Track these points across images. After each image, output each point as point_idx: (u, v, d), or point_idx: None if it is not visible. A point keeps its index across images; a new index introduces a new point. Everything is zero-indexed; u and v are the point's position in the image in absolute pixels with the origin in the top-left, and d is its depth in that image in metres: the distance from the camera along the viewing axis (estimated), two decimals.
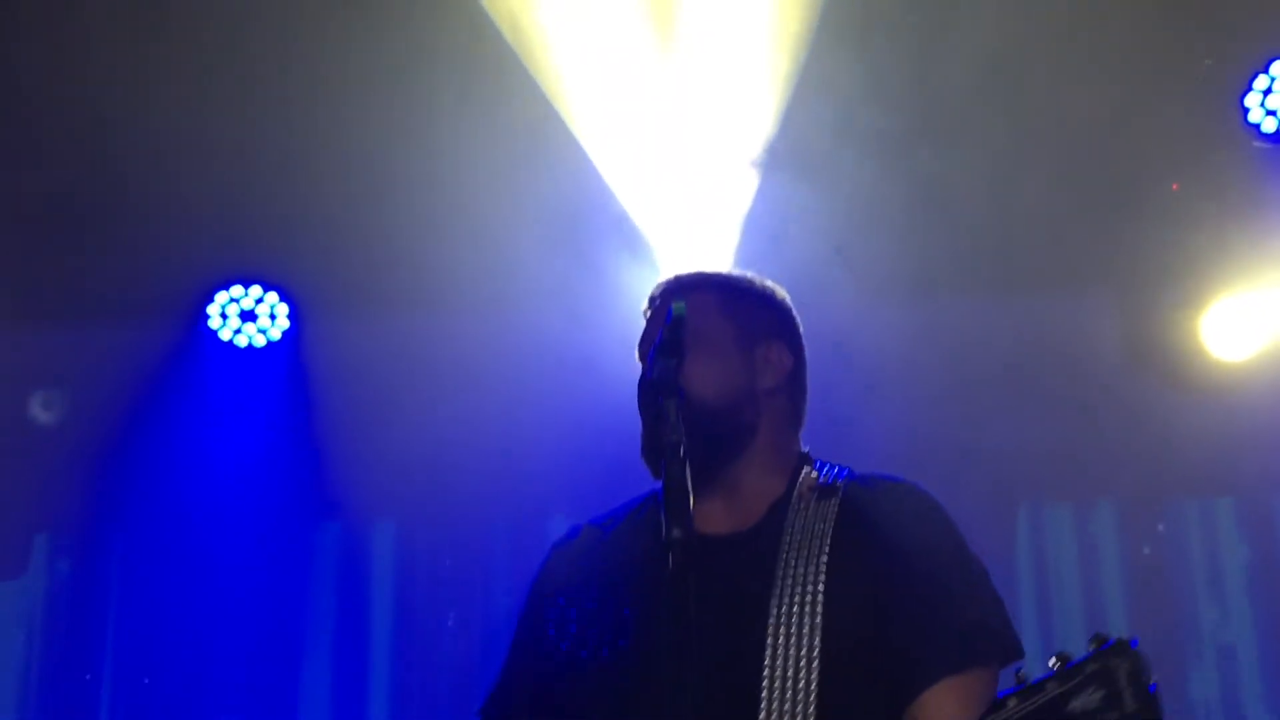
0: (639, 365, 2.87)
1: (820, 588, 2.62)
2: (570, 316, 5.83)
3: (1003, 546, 6.13)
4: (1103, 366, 6.03)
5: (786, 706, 2.56)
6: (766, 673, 2.58)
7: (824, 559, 2.64)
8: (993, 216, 5.83)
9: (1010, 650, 2.65)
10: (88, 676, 6.06)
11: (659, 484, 2.61)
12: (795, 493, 2.75)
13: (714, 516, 2.72)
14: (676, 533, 2.29)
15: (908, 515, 2.72)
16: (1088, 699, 2.28)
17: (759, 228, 5.74)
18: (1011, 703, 2.31)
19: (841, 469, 2.82)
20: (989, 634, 2.65)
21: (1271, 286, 5.71)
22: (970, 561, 2.72)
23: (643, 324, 2.93)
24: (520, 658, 2.87)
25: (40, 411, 6.04)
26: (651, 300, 2.92)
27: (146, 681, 6.03)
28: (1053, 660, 2.33)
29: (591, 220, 5.65)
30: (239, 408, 6.11)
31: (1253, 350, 5.83)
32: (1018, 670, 2.35)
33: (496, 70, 5.35)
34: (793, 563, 2.66)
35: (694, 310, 2.70)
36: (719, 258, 5.74)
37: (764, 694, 2.57)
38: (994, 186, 5.66)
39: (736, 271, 2.99)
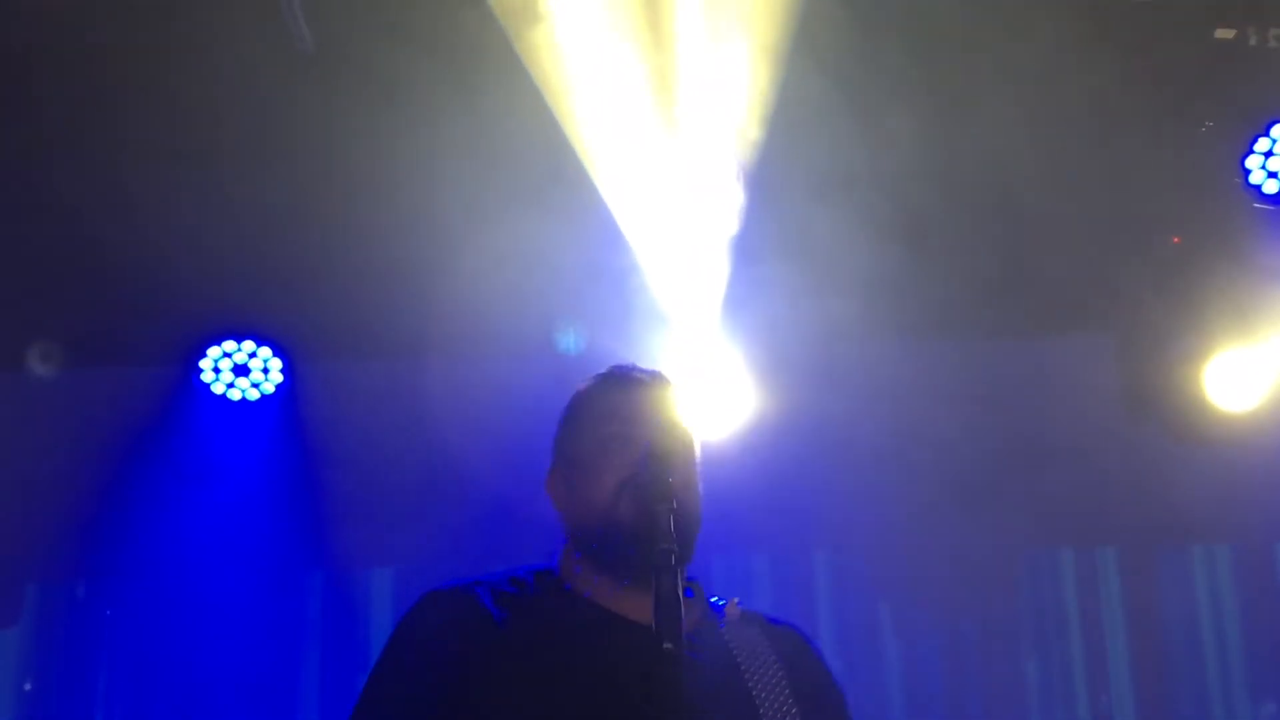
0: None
1: (792, 702, 2.72)
2: (568, 363, 5.81)
3: (1004, 591, 6.11)
4: (1104, 412, 6.04)
5: None
6: None
7: (784, 681, 2.74)
8: (995, 260, 5.82)
9: None
10: None
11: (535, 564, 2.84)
12: (719, 613, 2.84)
13: (635, 608, 2.69)
14: (669, 645, 2.29)
15: (812, 659, 2.90)
16: None
17: (747, 290, 5.71)
18: None
19: (731, 599, 2.92)
20: None
21: (1272, 339, 5.71)
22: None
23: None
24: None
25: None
26: (613, 379, 2.93)
27: None
28: None
29: (593, 266, 5.61)
30: (233, 459, 6.08)
31: (1254, 401, 5.81)
32: None
33: (491, 111, 5.31)
34: (757, 678, 2.73)
35: (675, 425, 2.76)
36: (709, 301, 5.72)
37: None
38: (996, 229, 5.65)
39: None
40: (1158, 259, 5.69)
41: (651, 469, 2.52)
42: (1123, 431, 5.98)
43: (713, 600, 2.87)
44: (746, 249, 5.65)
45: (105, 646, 6.14)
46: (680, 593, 2.34)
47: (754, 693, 2.68)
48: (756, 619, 2.86)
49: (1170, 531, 6.11)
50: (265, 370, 6.06)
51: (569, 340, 5.64)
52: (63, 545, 6.13)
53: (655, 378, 2.93)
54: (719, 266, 5.63)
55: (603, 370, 2.97)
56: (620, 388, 2.90)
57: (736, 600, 2.87)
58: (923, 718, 6.04)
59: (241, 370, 6.06)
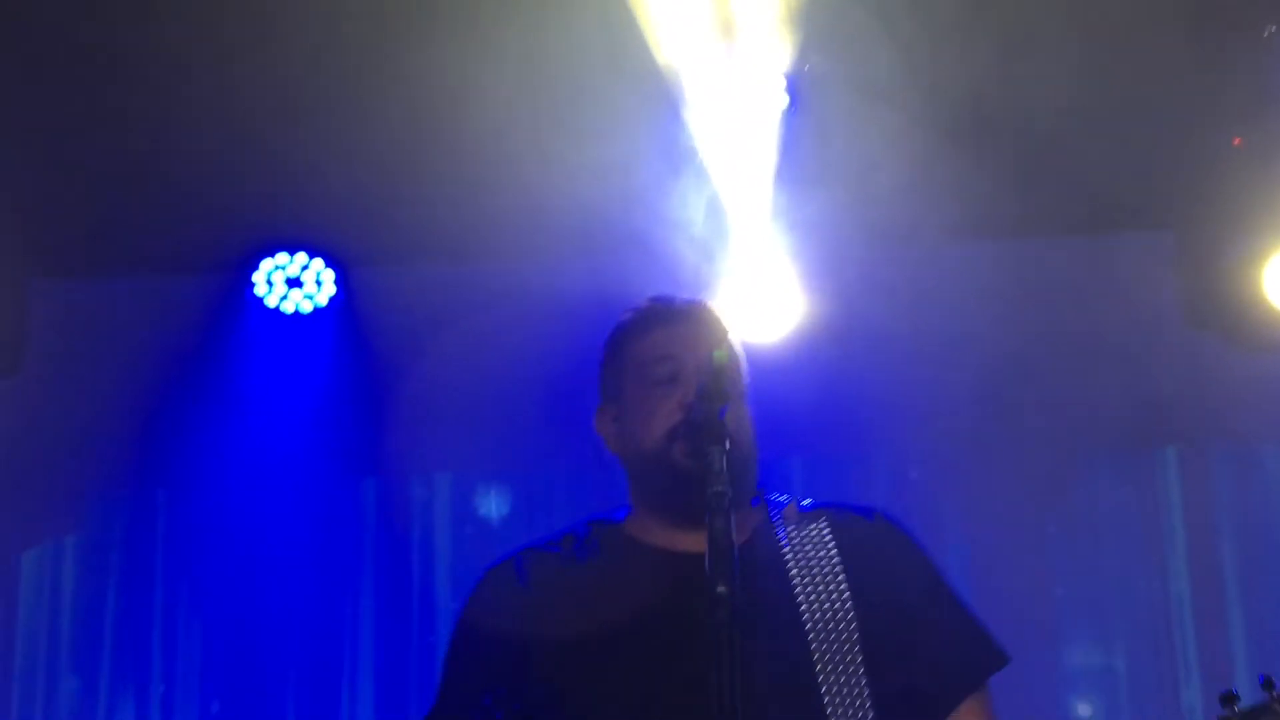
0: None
1: (846, 597, 2.67)
2: (626, 268, 5.80)
3: (1059, 494, 6.10)
4: (1160, 313, 5.99)
5: (845, 698, 2.60)
6: (821, 677, 2.60)
7: (840, 572, 2.70)
8: (1046, 158, 5.75)
9: (1003, 659, 2.82)
10: None
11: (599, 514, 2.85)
12: (777, 517, 2.80)
13: (699, 541, 2.64)
14: (722, 589, 2.27)
15: (898, 543, 2.83)
16: None
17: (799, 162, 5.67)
18: None
19: (805, 498, 2.88)
20: (992, 650, 2.80)
21: None
22: (951, 586, 2.86)
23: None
24: (470, 695, 2.76)
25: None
26: (654, 314, 2.89)
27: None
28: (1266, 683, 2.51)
29: (647, 172, 5.58)
30: (287, 371, 6.12)
31: None
32: (1228, 692, 2.54)
33: (549, 17, 5.27)
34: (805, 574, 2.70)
35: (723, 358, 2.67)
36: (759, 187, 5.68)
37: (824, 692, 2.60)
38: (1052, 125, 5.58)
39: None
40: (1217, 160, 5.61)
41: (703, 410, 2.48)
42: (1180, 334, 5.92)
43: (774, 500, 2.85)
44: (796, 152, 5.62)
45: (161, 553, 6.18)
46: (733, 535, 2.32)
47: (799, 595, 2.67)
48: (823, 514, 2.81)
49: (1229, 435, 6.06)
50: (318, 283, 6.07)
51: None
52: (121, 454, 6.18)
53: (698, 308, 2.89)
54: (769, 172, 5.60)
55: (641, 303, 2.92)
56: (663, 323, 2.85)
57: (798, 500, 2.84)
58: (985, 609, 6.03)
59: (294, 283, 6.07)
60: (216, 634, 6.12)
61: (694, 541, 2.55)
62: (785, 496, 2.86)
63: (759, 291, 5.75)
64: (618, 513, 2.88)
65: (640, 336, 2.85)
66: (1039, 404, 6.06)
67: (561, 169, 5.44)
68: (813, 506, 2.83)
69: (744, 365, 2.90)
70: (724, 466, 2.41)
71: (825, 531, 2.76)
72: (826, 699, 2.58)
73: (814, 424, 5.99)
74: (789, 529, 2.77)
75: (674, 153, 5.62)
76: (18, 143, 5.56)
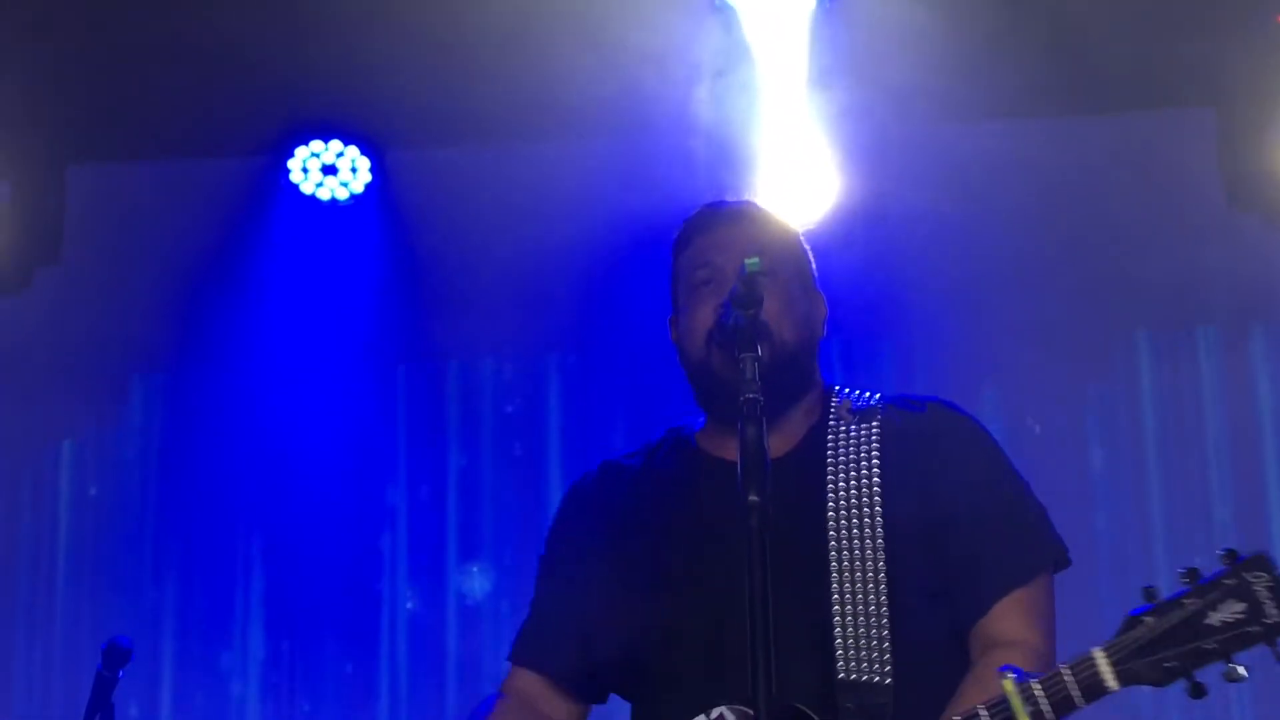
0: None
1: (877, 506, 2.65)
2: (661, 149, 5.78)
3: (1100, 372, 6.09)
4: (1201, 191, 5.94)
5: (860, 621, 2.59)
6: (835, 591, 2.61)
7: (875, 478, 2.67)
8: (1091, 32, 5.68)
9: (1063, 556, 2.75)
10: None
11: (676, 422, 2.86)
12: (832, 417, 2.77)
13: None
14: (754, 497, 2.28)
15: (950, 433, 2.77)
16: (1227, 613, 2.31)
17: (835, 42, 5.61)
18: (1149, 620, 2.36)
19: (872, 393, 2.84)
20: (1045, 544, 2.73)
21: None
22: (1015, 474, 2.79)
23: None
24: (554, 602, 2.87)
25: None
26: (699, 220, 2.89)
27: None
28: (1183, 575, 2.36)
29: (685, 50, 5.52)
30: (325, 257, 6.16)
31: None
32: (1147, 587, 2.39)
33: None
34: (842, 482, 2.68)
35: (772, 253, 2.71)
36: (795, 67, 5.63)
37: (835, 612, 2.60)
38: (1091, 1, 5.51)
39: (779, 214, 2.95)
40: (1260, 37, 5.53)
41: (733, 316, 2.48)
42: (1221, 214, 5.87)
43: (839, 393, 2.82)
44: (832, 32, 5.56)
45: (201, 437, 6.25)
46: (765, 442, 2.33)
47: (829, 498, 2.67)
48: (878, 410, 2.77)
49: (1267, 317, 6.04)
50: (353, 170, 6.07)
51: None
52: (163, 338, 6.23)
53: (741, 210, 2.89)
54: (805, 52, 5.55)
55: (698, 207, 2.92)
56: (704, 229, 2.85)
57: (858, 395, 2.81)
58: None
59: (330, 170, 6.08)
60: (256, 518, 6.18)
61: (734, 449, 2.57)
62: (850, 390, 2.83)
63: (795, 174, 5.72)
64: (698, 419, 2.90)
65: (686, 245, 2.87)
66: (1078, 283, 6.04)
67: (597, 49, 5.41)
68: (868, 404, 2.79)
69: (800, 256, 2.88)
70: (755, 374, 2.42)
71: (874, 428, 2.73)
72: (837, 610, 2.59)
73: (851, 305, 5.98)
74: (840, 428, 2.75)
75: (711, 34, 5.57)
76: (51, 27, 5.56)
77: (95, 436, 6.27)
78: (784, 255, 2.81)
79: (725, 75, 5.61)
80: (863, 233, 5.85)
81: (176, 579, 6.19)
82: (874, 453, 2.69)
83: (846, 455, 2.71)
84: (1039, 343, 6.04)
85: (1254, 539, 5.88)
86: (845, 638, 2.57)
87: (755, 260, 2.49)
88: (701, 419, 2.89)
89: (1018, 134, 6.07)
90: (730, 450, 2.61)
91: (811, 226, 5.71)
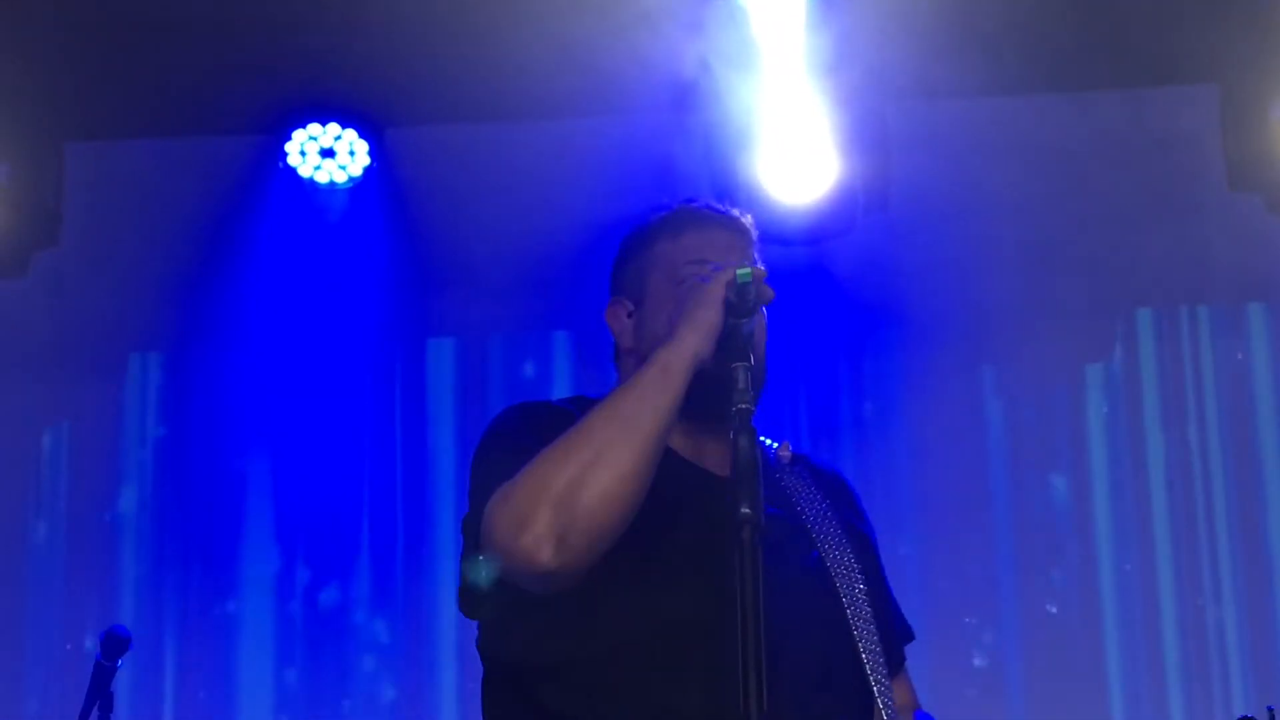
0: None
1: (847, 546, 2.69)
2: (657, 122, 5.76)
3: (1095, 355, 6.09)
4: (1203, 170, 5.92)
5: (875, 658, 2.62)
6: (854, 629, 2.62)
7: (834, 521, 2.71)
8: (1093, 6, 5.66)
9: (910, 636, 2.89)
10: None
11: None
12: (775, 456, 2.78)
13: (712, 458, 2.65)
14: (746, 510, 2.25)
15: (857, 501, 2.87)
16: None
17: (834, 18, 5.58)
18: None
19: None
20: (907, 624, 2.90)
21: None
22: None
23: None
24: None
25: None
26: (688, 215, 2.83)
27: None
28: None
29: (689, 23, 5.48)
30: (324, 239, 6.15)
31: None
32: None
33: None
34: (814, 519, 2.69)
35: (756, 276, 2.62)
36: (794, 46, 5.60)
37: (862, 648, 2.60)
38: None
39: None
40: (1264, 12, 5.50)
41: (729, 325, 2.48)
42: (1223, 194, 5.86)
43: (765, 443, 2.79)
44: (831, 7, 5.53)
45: (199, 415, 6.26)
46: (757, 455, 2.30)
47: (816, 539, 2.68)
48: (804, 460, 2.83)
49: (1266, 298, 6.03)
50: (351, 153, 6.07)
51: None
52: (161, 316, 6.24)
53: (733, 218, 2.83)
54: (803, 30, 5.52)
55: (674, 205, 2.85)
56: (697, 226, 2.80)
57: (788, 444, 2.82)
58: (1022, 471, 6.07)
59: (328, 153, 6.07)
60: (255, 493, 6.20)
61: (715, 452, 2.59)
62: (772, 441, 2.82)
63: (796, 151, 5.70)
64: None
65: (672, 237, 2.80)
66: (1079, 261, 6.03)
67: (596, 25, 5.38)
68: (795, 452, 2.83)
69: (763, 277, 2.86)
70: (748, 383, 2.40)
71: (809, 478, 2.78)
72: (858, 638, 2.61)
73: (851, 286, 6.00)
74: (784, 473, 2.76)
75: (712, 11, 5.54)
76: (49, 2, 5.55)
77: (93, 417, 6.26)
78: (761, 273, 2.74)
79: (726, 52, 5.57)
80: (862, 213, 5.84)
81: (173, 562, 6.20)
82: (825, 503, 2.74)
83: (797, 493, 2.74)
84: (1038, 322, 6.04)
85: (1250, 518, 5.94)
86: (875, 675, 2.60)
87: (748, 271, 2.48)
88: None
89: (1018, 112, 6.06)
90: (708, 459, 2.63)
91: (811, 203, 5.72)
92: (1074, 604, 5.92)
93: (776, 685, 2.21)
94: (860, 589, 2.65)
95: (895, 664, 2.76)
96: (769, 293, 2.55)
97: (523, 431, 2.60)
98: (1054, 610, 5.92)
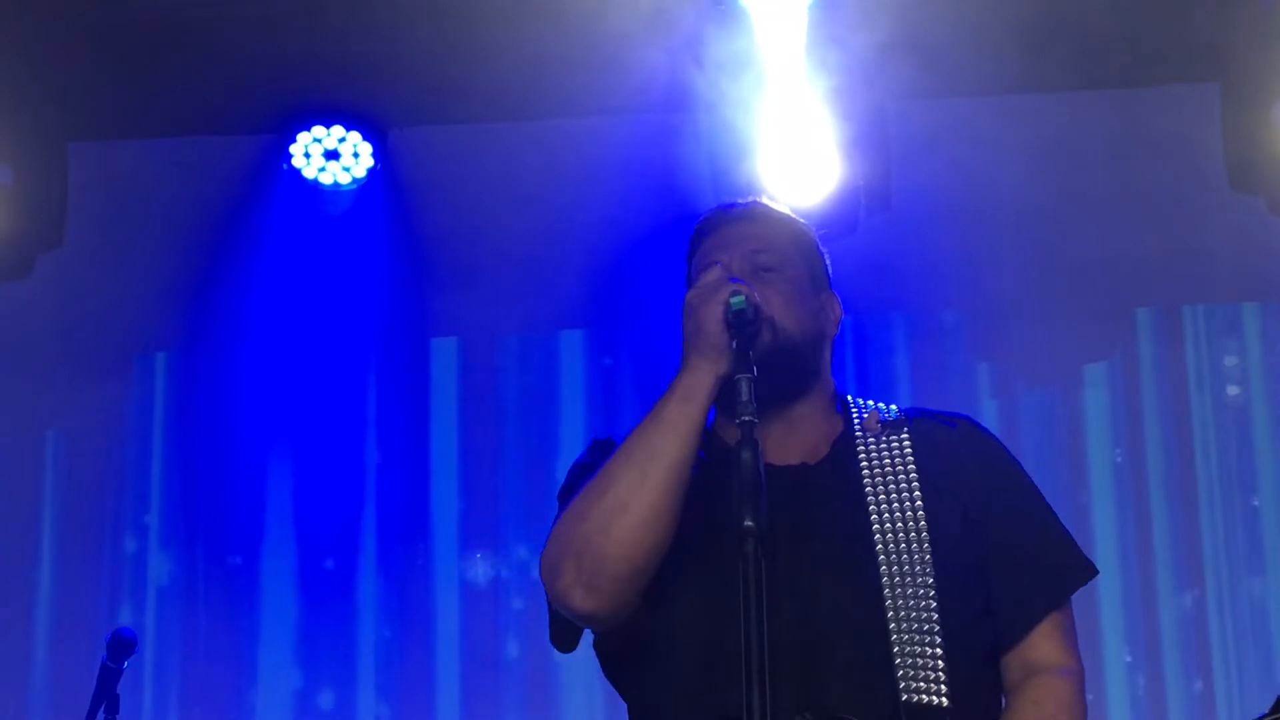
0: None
1: (922, 522, 2.62)
2: (666, 123, 5.77)
3: (1094, 354, 6.10)
4: (1203, 168, 5.92)
5: (917, 640, 2.55)
6: (890, 609, 2.56)
7: (917, 493, 2.65)
8: (1092, 5, 5.66)
9: (1090, 572, 2.75)
10: None
11: None
12: (860, 427, 2.76)
13: (779, 448, 2.68)
14: (749, 523, 2.29)
15: (982, 453, 2.77)
16: None
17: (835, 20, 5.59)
18: None
19: (890, 405, 2.83)
20: (1077, 565, 2.74)
21: None
22: (1041, 495, 2.79)
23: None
24: None
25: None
26: (707, 222, 2.90)
27: None
28: None
29: (691, 25, 5.50)
30: (328, 241, 6.17)
31: None
32: None
33: None
34: (883, 496, 2.66)
35: (780, 250, 2.77)
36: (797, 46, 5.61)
37: (893, 630, 2.55)
38: None
39: (792, 212, 2.95)
40: (1265, 10, 5.51)
41: (733, 334, 2.54)
42: (1223, 193, 5.86)
43: (861, 407, 2.81)
44: (831, 10, 5.54)
45: (204, 416, 6.28)
46: (760, 466, 2.34)
47: (873, 517, 2.63)
48: (905, 423, 2.76)
49: (1264, 298, 6.04)
50: (355, 155, 6.08)
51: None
52: (165, 316, 6.26)
53: (749, 208, 2.88)
54: (805, 31, 5.54)
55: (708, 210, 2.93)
56: (711, 230, 2.86)
57: (879, 411, 2.79)
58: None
59: (332, 155, 6.09)
60: (261, 492, 6.21)
61: (770, 440, 2.58)
62: (870, 402, 2.82)
63: (798, 152, 5.71)
64: None
65: (697, 245, 2.88)
66: (1080, 262, 6.04)
67: (601, 25, 5.38)
68: (895, 416, 2.78)
69: (811, 255, 2.88)
70: (751, 395, 2.44)
71: (906, 443, 2.71)
72: (894, 628, 2.55)
73: (854, 286, 5.99)
74: (869, 441, 2.73)
75: (713, 8, 5.55)
76: (50, 2, 5.56)
77: (98, 418, 6.27)
78: (791, 252, 2.82)
79: (729, 54, 5.58)
80: (864, 214, 5.86)
81: (182, 553, 6.21)
82: (910, 468, 2.68)
83: (882, 467, 2.69)
84: (1038, 322, 6.05)
85: (1246, 517, 5.96)
86: (904, 657, 2.53)
87: (741, 298, 2.55)
88: None
89: (1019, 112, 6.06)
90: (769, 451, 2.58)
91: (814, 205, 5.73)
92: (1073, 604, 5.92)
93: (779, 686, 2.25)
94: (923, 563, 2.57)
95: (1023, 621, 2.66)
96: (765, 309, 2.62)
97: (575, 476, 2.73)
98: None
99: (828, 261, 2.92)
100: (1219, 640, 5.89)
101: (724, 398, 2.60)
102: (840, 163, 5.71)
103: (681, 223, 3.02)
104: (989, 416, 6.04)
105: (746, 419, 2.41)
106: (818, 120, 5.65)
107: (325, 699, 6.08)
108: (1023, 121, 6.06)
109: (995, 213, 5.99)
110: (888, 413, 2.79)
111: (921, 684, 2.52)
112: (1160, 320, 6.12)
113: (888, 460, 2.70)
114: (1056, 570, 2.70)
